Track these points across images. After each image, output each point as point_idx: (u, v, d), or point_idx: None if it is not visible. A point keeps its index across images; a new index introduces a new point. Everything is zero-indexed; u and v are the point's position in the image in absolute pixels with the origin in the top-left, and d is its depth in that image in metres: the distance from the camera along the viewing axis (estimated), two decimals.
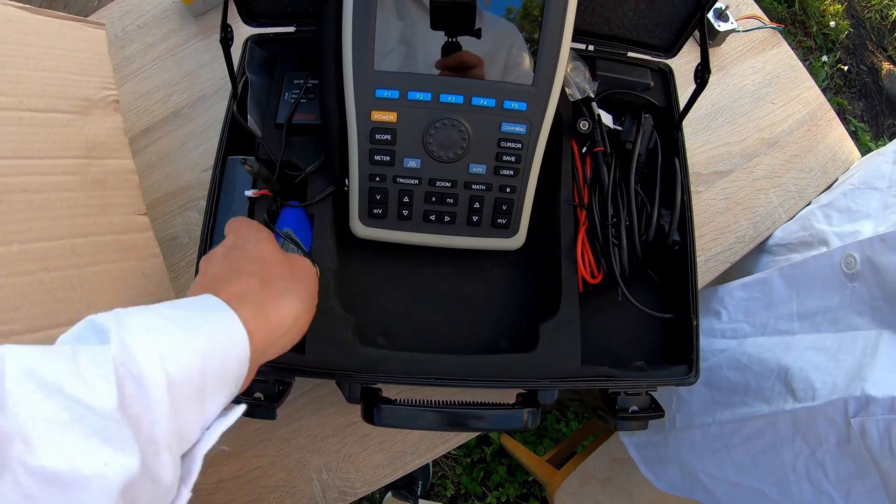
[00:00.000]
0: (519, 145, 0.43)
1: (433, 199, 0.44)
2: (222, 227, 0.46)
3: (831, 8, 1.53)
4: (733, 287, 0.62)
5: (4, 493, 0.19)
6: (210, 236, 0.47)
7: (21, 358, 0.22)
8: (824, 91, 1.46)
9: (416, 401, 0.41)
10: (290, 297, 0.32)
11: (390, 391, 0.44)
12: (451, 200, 0.44)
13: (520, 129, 0.42)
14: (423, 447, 0.52)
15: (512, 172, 0.44)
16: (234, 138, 0.50)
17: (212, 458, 0.53)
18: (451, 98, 0.41)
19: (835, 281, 0.51)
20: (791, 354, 0.51)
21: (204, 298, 0.29)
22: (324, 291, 0.45)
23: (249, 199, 0.46)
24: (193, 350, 0.25)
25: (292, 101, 0.50)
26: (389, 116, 0.41)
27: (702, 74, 0.48)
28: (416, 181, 0.43)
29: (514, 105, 0.41)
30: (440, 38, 0.40)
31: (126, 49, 0.67)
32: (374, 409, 0.40)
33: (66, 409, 0.21)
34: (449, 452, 1.19)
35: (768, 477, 0.50)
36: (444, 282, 0.50)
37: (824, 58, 1.47)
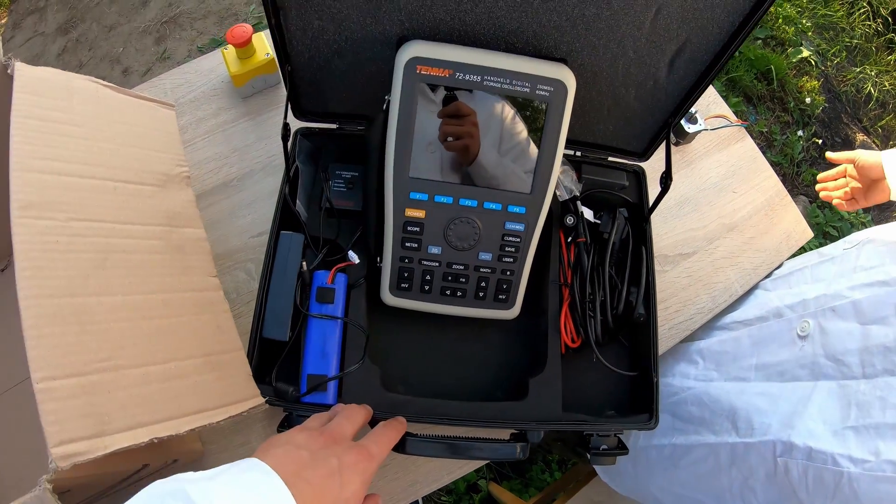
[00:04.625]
0: (518, 239, 0.59)
1: (449, 278, 0.60)
2: (275, 291, 0.61)
3: (808, 84, 1.76)
4: (712, 342, 0.78)
5: None
6: (264, 300, 0.62)
7: None
8: (800, 163, 1.68)
9: (433, 435, 0.56)
10: None
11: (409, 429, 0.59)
12: (464, 280, 0.60)
13: (519, 227, 0.59)
14: (431, 478, 0.66)
15: (512, 259, 0.60)
16: (286, 216, 0.65)
17: None
18: (467, 202, 0.57)
19: (789, 341, 0.66)
20: (742, 398, 0.67)
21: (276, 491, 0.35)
22: (357, 350, 0.60)
23: (301, 271, 0.62)
24: None
25: (336, 189, 0.66)
26: (419, 213, 0.58)
27: (665, 181, 0.65)
28: (437, 264, 0.60)
29: (516, 209, 0.58)
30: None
31: (179, 120, 0.83)
32: (405, 441, 0.55)
33: None
34: (439, 498, 1.31)
35: (708, 493, 0.66)
36: (451, 343, 0.66)
37: (800, 132, 1.69)
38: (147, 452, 0.56)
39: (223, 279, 0.72)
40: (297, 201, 0.65)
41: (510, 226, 0.59)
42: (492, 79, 0.54)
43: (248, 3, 1.66)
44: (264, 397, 0.55)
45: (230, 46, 0.81)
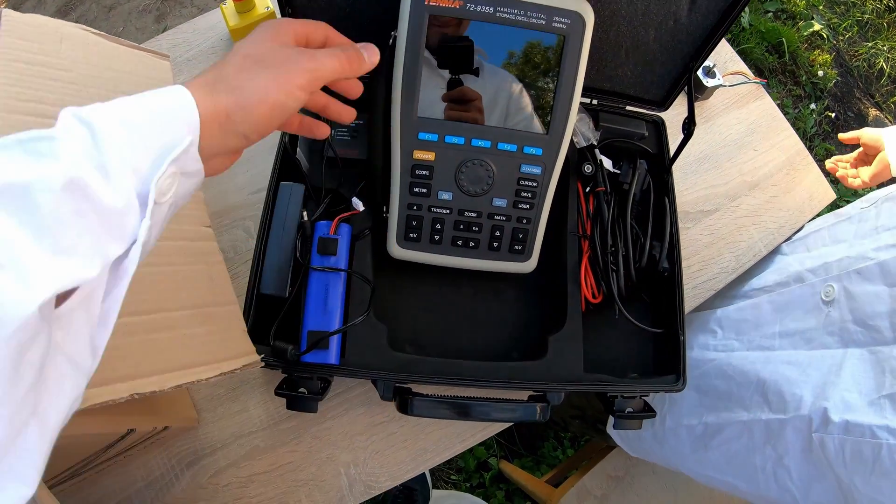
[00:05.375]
0: (535, 184, 0.54)
1: (461, 226, 0.55)
2: (274, 245, 0.57)
3: (820, 58, 1.70)
4: (730, 310, 0.73)
5: None
6: (262, 253, 0.57)
7: None
8: (812, 137, 1.62)
9: (443, 395, 0.50)
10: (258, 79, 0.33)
11: (417, 391, 0.54)
12: (476, 228, 0.55)
13: (536, 170, 0.54)
14: (442, 446, 0.61)
15: (528, 206, 0.55)
16: (285, 166, 0.60)
17: (245, 453, 0.61)
18: (480, 143, 0.52)
19: (813, 307, 0.62)
20: (769, 368, 0.62)
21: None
22: (362, 304, 0.55)
23: (302, 222, 0.56)
24: (139, 101, 0.29)
25: (338, 137, 0.61)
26: (428, 156, 0.53)
27: (688, 126, 0.60)
28: (448, 211, 0.54)
29: (532, 150, 0.53)
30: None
31: (176, 79, 0.78)
32: (408, 401, 0.50)
33: (13, 141, 0.25)
34: (449, 477, 1.27)
35: (740, 474, 0.60)
36: (465, 300, 0.61)
37: (812, 105, 1.63)
38: (132, 415, 0.51)
39: (221, 238, 0.67)
40: (298, 150, 0.60)
41: (526, 168, 0.53)
42: (505, 10, 0.49)
43: None
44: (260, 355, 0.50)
45: (230, 1, 0.76)
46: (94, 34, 0.61)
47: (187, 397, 0.63)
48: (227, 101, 0.33)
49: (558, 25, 0.50)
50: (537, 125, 0.53)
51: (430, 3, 0.48)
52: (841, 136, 0.86)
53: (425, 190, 0.54)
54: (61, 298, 0.25)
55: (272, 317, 0.55)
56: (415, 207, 0.54)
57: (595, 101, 0.66)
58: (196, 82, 0.33)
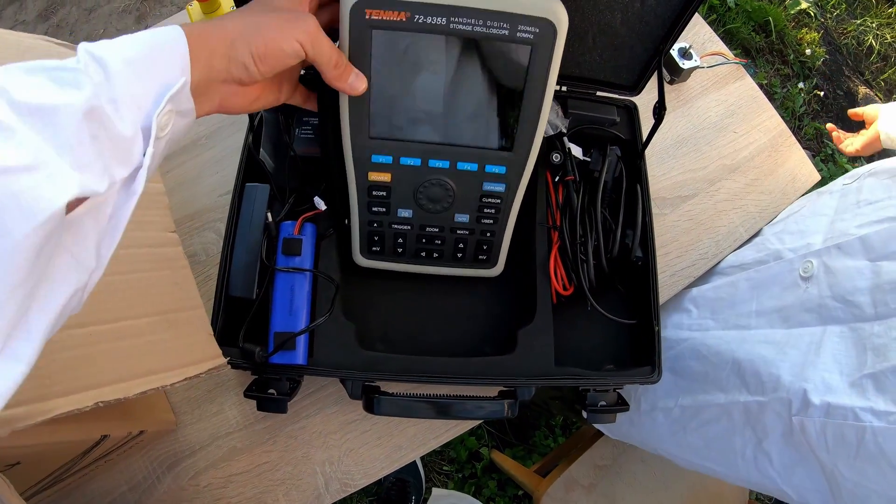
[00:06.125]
0: (498, 200, 0.52)
1: (423, 240, 0.54)
2: (241, 246, 0.56)
3: (808, 36, 1.67)
4: (706, 289, 0.71)
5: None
6: (230, 255, 0.56)
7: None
8: (802, 116, 1.59)
9: (410, 393, 0.50)
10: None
11: (387, 389, 0.53)
12: (439, 242, 0.54)
13: (499, 188, 0.51)
14: (417, 442, 0.60)
15: (492, 221, 0.53)
16: (250, 167, 0.59)
17: (224, 454, 0.61)
18: (438, 163, 0.49)
19: (791, 284, 0.59)
20: (744, 347, 0.60)
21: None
22: (328, 304, 0.54)
23: (267, 223, 0.55)
24: (139, 39, 0.32)
25: (302, 136, 0.59)
26: (384, 177, 0.50)
27: (658, 111, 0.58)
28: (409, 227, 0.53)
29: (495, 169, 0.50)
30: (430, 106, 0.47)
31: None
32: (374, 399, 0.49)
33: (39, 68, 0.28)
34: (441, 468, 1.26)
35: (720, 459, 0.59)
36: (433, 297, 0.60)
37: (801, 84, 1.60)
38: (104, 421, 0.50)
39: (192, 241, 0.67)
40: (262, 150, 0.59)
41: (489, 186, 0.51)
42: (460, 20, 0.42)
43: None
44: (226, 358, 0.49)
45: (195, 2, 0.75)
46: (56, 45, 0.59)
47: (164, 400, 0.63)
48: (234, 28, 0.36)
49: (524, 35, 0.43)
50: (500, 141, 0.49)
51: (372, 17, 0.41)
52: (850, 111, 0.87)
53: (384, 209, 0.52)
54: (71, 207, 0.27)
55: (242, 319, 0.55)
56: (375, 224, 0.53)
57: (563, 88, 0.64)
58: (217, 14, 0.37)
